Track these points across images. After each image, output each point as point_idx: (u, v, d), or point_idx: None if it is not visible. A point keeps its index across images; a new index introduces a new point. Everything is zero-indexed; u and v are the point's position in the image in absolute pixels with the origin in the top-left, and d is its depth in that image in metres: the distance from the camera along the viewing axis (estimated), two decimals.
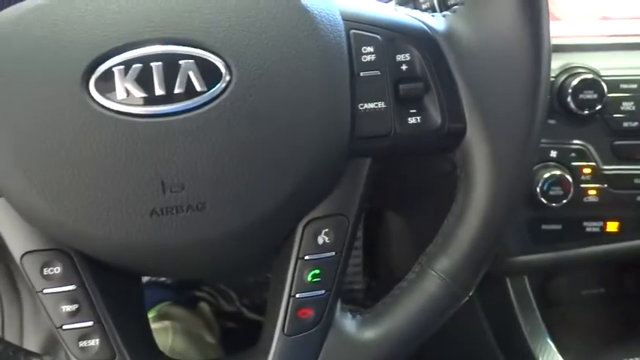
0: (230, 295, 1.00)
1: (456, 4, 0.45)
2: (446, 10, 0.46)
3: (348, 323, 0.38)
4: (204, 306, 0.97)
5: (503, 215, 0.36)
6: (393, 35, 0.35)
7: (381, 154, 0.36)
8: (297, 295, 0.36)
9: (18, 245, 0.35)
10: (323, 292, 0.36)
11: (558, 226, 0.58)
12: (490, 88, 0.35)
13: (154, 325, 0.66)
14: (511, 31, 0.34)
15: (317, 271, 0.36)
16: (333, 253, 0.36)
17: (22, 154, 0.32)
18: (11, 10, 0.33)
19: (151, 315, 0.90)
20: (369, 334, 0.37)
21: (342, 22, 0.34)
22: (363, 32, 0.35)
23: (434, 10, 0.47)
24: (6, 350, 0.38)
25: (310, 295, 0.36)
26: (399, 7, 0.39)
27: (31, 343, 0.91)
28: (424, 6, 0.47)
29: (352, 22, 0.35)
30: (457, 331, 0.62)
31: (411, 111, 0.35)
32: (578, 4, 0.58)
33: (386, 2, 0.52)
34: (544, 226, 0.59)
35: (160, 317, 0.88)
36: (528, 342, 0.68)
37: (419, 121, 0.35)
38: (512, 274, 0.68)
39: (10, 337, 0.90)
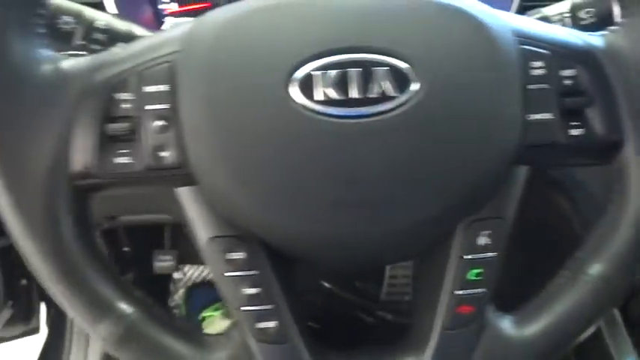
0: None
1: (588, 24, 0.48)
2: (578, 28, 0.48)
3: (503, 321, 0.39)
4: None
5: None
6: (560, 51, 0.37)
7: (543, 162, 0.38)
8: (458, 292, 0.38)
9: (205, 230, 0.37)
10: (484, 290, 0.38)
11: None
12: None
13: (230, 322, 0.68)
14: None
15: (478, 270, 0.38)
16: (494, 253, 0.38)
17: (226, 145, 0.35)
18: (216, 16, 0.37)
19: (217, 313, 0.93)
20: (528, 331, 0.39)
21: (514, 38, 0.37)
22: (533, 48, 0.37)
23: (595, 26, 0.49)
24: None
25: (472, 292, 0.38)
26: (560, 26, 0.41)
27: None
28: (586, 22, 0.48)
29: (522, 37, 0.37)
30: None
31: (575, 123, 0.37)
32: None
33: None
34: None
35: (230, 315, 0.91)
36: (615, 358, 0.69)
37: (581, 132, 0.37)
38: None
39: (78, 326, 0.93)
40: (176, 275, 1.05)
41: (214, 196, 0.36)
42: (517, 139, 0.36)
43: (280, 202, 0.35)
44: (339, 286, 1.02)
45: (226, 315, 0.88)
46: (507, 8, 0.62)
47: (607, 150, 0.38)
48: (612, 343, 0.70)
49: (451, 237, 0.38)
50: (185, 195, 0.37)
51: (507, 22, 0.37)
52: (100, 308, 0.37)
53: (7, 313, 0.87)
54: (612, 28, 0.39)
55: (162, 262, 0.95)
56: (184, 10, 0.70)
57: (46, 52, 0.36)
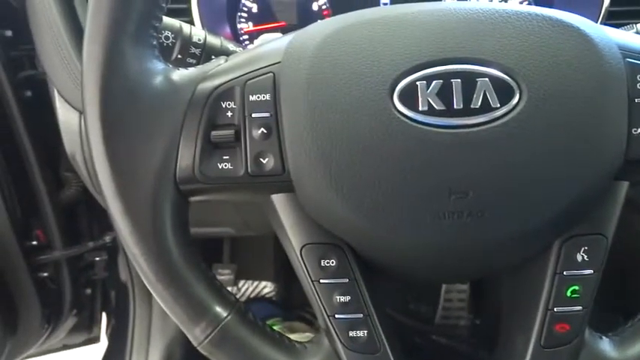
0: None
1: None
2: None
3: (600, 342, 0.39)
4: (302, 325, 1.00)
5: None
6: None
7: None
8: (555, 309, 0.38)
9: (299, 237, 0.38)
10: (581, 308, 0.38)
11: None
12: None
13: (295, 336, 0.69)
14: None
15: (576, 287, 0.37)
16: (592, 270, 0.37)
17: (326, 154, 0.35)
18: (316, 29, 0.38)
19: (277, 327, 0.94)
20: (630, 353, 0.38)
21: (619, 52, 0.37)
22: (639, 62, 0.37)
23: None
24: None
25: (569, 310, 0.38)
26: None
27: (157, 345, 0.95)
28: None
29: (628, 52, 0.37)
30: None
31: None
32: None
33: None
34: None
35: (291, 330, 0.91)
36: None
37: None
38: None
39: (139, 337, 0.95)
40: (231, 290, 1.06)
41: (311, 204, 0.37)
42: (621, 153, 0.36)
43: (378, 210, 0.35)
44: (393, 307, 1.01)
45: (284, 330, 0.88)
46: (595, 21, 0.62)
47: None
48: None
49: (549, 252, 0.38)
50: (281, 202, 0.38)
51: (612, 36, 0.38)
52: (197, 310, 0.38)
53: (71, 321, 0.89)
54: None
55: (222, 276, 0.97)
56: (259, 29, 0.72)
57: (158, 64, 0.38)
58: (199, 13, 0.62)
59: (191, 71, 0.39)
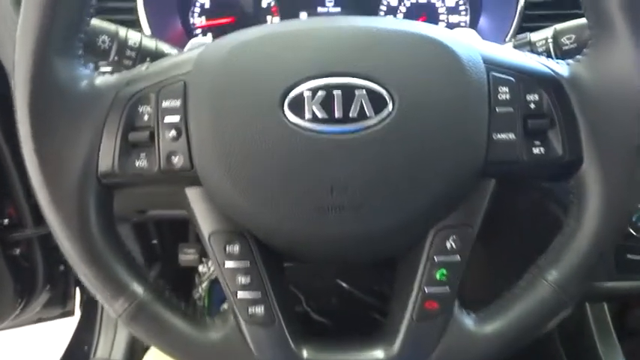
0: (299, 297, 1.08)
1: (569, 49, 0.51)
2: (560, 53, 0.52)
3: (465, 318, 0.44)
4: None
5: (611, 235, 0.42)
6: (526, 78, 0.42)
7: (507, 177, 0.42)
8: (426, 290, 0.43)
9: (207, 226, 0.43)
10: (448, 288, 0.43)
11: None
12: (608, 126, 0.40)
13: None
14: (629, 79, 0.40)
15: (444, 271, 0.43)
16: (459, 257, 0.43)
17: (226, 154, 0.40)
18: (223, 42, 0.43)
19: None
20: (487, 328, 0.43)
21: (483, 65, 0.41)
22: (501, 75, 0.41)
23: (549, 53, 0.53)
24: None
25: (437, 290, 0.43)
26: (527, 53, 0.45)
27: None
28: (540, 49, 0.53)
29: (492, 65, 0.42)
30: (533, 355, 0.66)
31: (536, 142, 0.41)
32: None
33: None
34: (629, 256, 0.64)
35: None
36: None
37: (542, 151, 0.41)
38: (593, 300, 0.72)
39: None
40: (201, 269, 1.12)
41: (216, 196, 0.42)
42: (483, 155, 0.41)
43: (270, 203, 0.40)
44: (356, 286, 1.07)
45: None
46: (507, 28, 0.66)
47: (567, 167, 0.42)
48: (604, 351, 0.72)
49: (424, 240, 0.43)
50: (192, 194, 0.43)
51: (478, 50, 0.42)
52: (116, 288, 0.43)
53: (45, 296, 0.94)
54: (578, 57, 0.43)
55: (187, 255, 1.02)
56: (211, 25, 0.77)
57: (83, 70, 0.42)
58: (145, 11, 0.66)
59: (113, 77, 0.43)
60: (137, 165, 0.42)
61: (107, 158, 0.42)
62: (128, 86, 0.43)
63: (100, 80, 0.43)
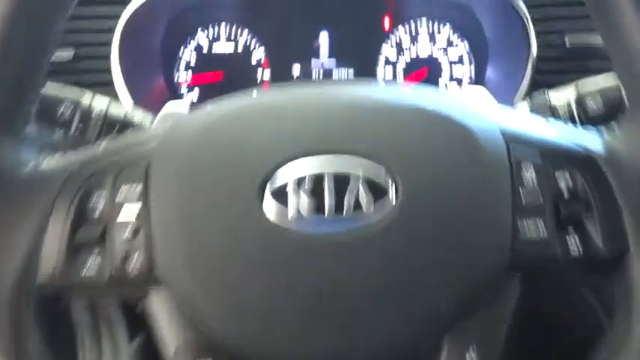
0: None
1: (598, 116, 0.45)
2: (585, 118, 0.46)
3: None
4: None
5: None
6: (553, 154, 0.35)
7: (536, 272, 0.35)
8: None
9: (173, 338, 0.35)
10: None
11: None
12: None
13: None
14: None
15: None
16: None
17: (194, 254, 0.33)
18: (198, 115, 0.36)
19: None
20: None
21: (503, 141, 0.35)
22: (523, 148, 0.35)
23: (572, 119, 0.47)
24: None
25: None
26: (552, 120, 0.39)
27: None
28: (563, 115, 0.47)
29: (511, 137, 0.35)
30: None
31: (572, 234, 0.34)
32: None
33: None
34: None
35: None
36: None
37: (578, 242, 0.34)
38: None
39: None
40: None
41: (181, 305, 0.34)
42: (509, 250, 0.33)
43: (247, 315, 0.33)
44: None
45: None
46: (517, 81, 0.61)
47: (608, 262, 0.34)
48: None
49: (438, 354, 0.35)
50: (153, 300, 0.35)
51: (495, 121, 0.35)
52: None
53: None
54: (613, 129, 0.37)
55: None
56: (197, 83, 0.71)
57: (27, 153, 0.35)
58: (121, 66, 0.60)
59: (63, 160, 0.37)
60: (83, 274, 0.34)
61: (48, 264, 0.34)
62: (80, 170, 0.35)
63: (46, 164, 0.36)
